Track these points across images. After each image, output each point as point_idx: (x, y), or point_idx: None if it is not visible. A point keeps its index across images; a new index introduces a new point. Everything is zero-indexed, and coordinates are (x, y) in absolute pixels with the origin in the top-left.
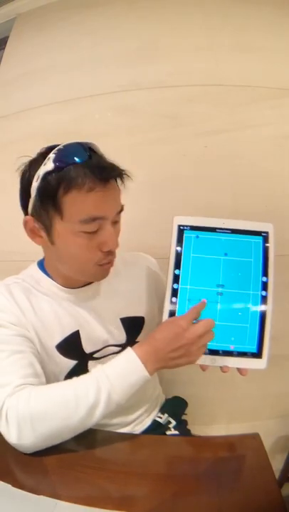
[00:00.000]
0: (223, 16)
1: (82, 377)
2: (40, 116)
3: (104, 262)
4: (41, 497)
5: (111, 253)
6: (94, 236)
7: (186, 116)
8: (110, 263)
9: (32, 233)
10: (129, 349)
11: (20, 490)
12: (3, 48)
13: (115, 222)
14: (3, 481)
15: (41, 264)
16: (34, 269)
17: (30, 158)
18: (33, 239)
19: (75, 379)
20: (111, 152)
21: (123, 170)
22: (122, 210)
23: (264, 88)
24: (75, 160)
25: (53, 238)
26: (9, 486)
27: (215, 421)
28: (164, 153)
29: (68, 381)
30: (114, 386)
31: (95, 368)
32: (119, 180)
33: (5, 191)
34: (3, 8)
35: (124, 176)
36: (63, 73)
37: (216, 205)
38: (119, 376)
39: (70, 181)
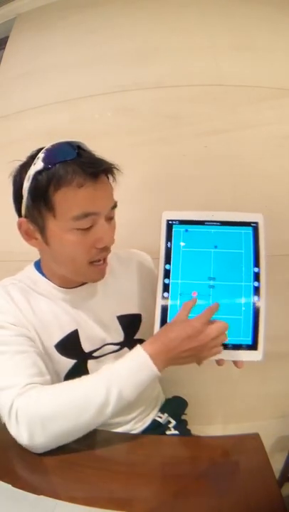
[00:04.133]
0: (223, 16)
1: (92, 375)
2: (41, 116)
3: (97, 259)
4: (41, 497)
5: (106, 249)
6: (88, 233)
7: (186, 116)
8: (104, 261)
9: (27, 235)
10: (138, 347)
11: (20, 490)
12: (3, 48)
13: (110, 219)
14: (3, 481)
15: (38, 265)
16: (31, 270)
17: (21, 162)
18: (29, 241)
19: (84, 377)
20: (111, 152)
21: (112, 164)
22: (115, 206)
23: (264, 88)
24: (63, 158)
25: (47, 238)
26: (9, 486)
27: (215, 421)
28: (164, 153)
29: (78, 380)
30: (125, 383)
31: (105, 366)
32: (110, 177)
33: (4, 191)
34: (3, 8)
35: (113, 170)
36: (63, 73)
37: (215, 205)
38: (128, 373)
39: (60, 178)
